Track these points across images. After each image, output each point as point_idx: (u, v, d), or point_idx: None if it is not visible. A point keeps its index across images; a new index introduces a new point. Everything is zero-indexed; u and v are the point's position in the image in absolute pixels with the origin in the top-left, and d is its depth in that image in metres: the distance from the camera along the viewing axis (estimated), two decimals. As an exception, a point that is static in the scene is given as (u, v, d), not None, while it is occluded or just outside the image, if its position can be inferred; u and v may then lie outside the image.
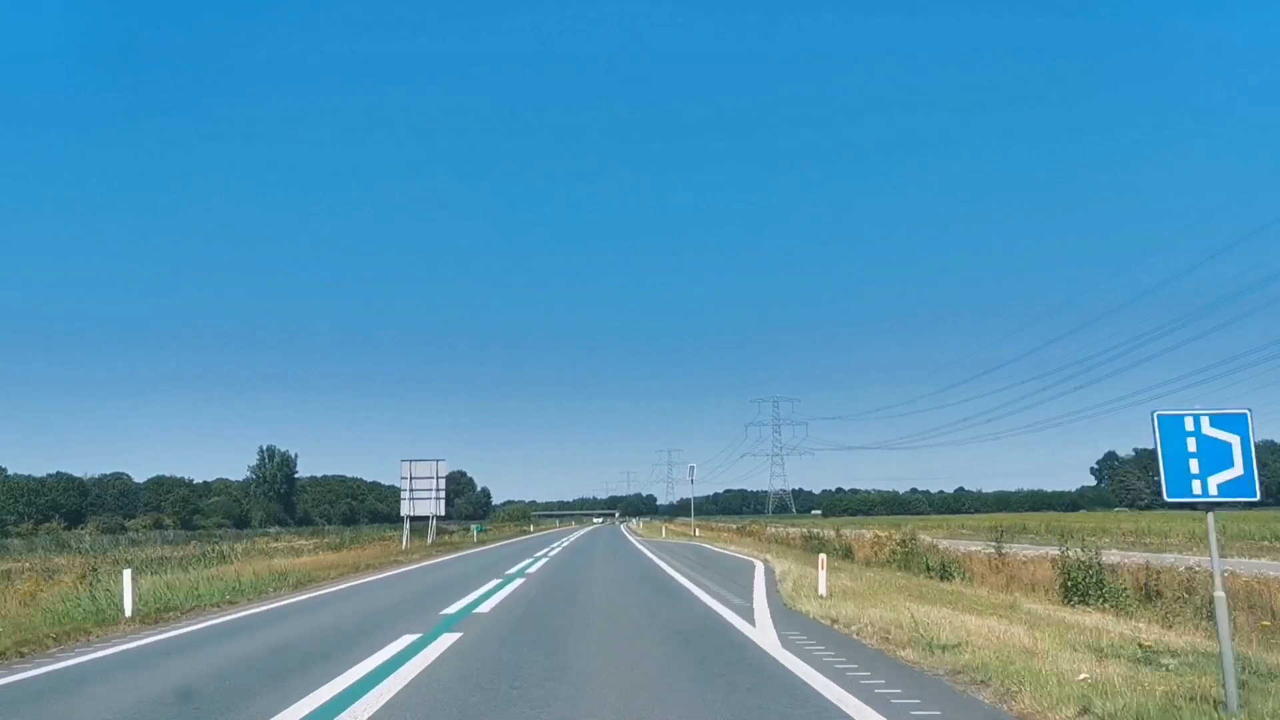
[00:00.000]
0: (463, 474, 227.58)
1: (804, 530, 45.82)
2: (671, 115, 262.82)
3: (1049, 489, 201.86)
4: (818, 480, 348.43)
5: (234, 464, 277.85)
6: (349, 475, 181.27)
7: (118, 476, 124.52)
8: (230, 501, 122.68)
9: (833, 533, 37.95)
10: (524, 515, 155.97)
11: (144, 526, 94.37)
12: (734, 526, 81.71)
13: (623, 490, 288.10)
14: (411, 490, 48.00)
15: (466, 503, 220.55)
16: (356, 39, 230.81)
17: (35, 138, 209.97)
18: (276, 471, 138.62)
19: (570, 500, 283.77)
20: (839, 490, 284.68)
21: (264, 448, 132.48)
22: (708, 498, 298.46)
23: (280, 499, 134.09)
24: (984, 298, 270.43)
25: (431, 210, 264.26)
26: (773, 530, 60.16)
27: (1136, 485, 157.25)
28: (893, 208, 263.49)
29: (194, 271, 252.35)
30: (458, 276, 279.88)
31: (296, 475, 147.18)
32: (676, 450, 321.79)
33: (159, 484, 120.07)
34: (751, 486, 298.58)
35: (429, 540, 48.86)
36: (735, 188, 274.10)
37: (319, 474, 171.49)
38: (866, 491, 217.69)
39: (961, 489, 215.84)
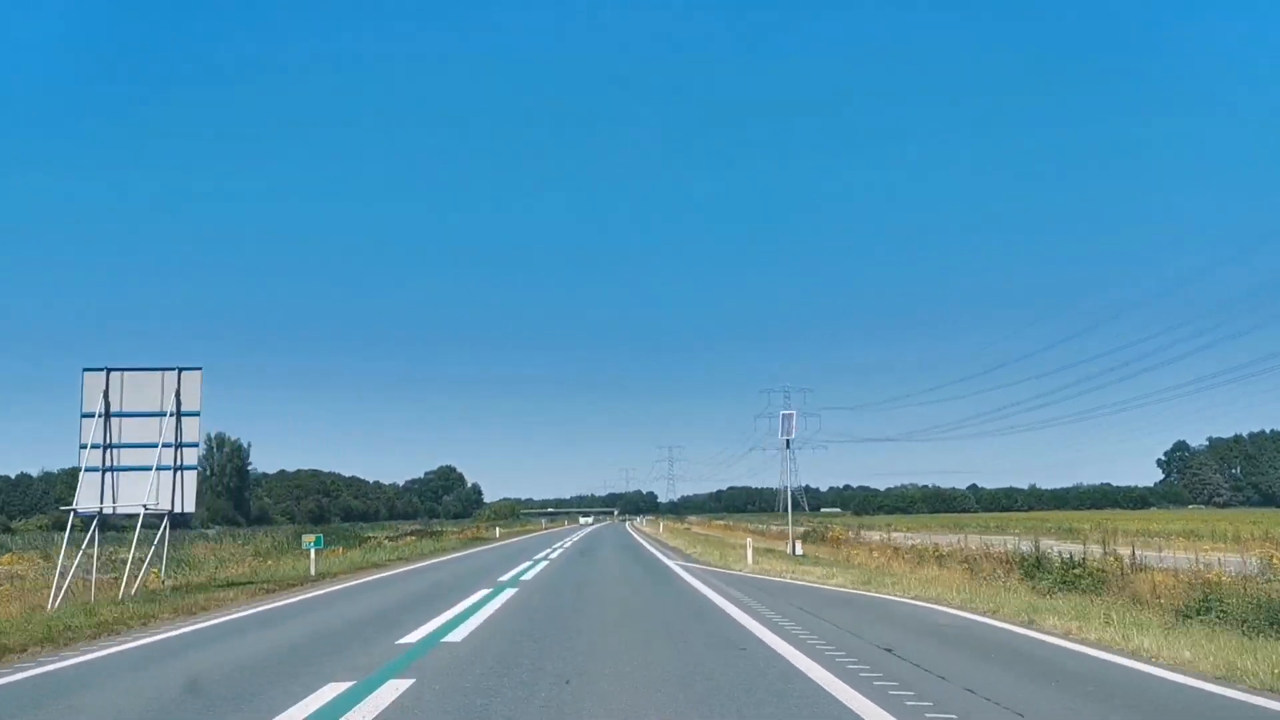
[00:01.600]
0: (452, 469, 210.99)
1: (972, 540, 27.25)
2: (675, 104, 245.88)
3: (1117, 484, 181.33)
4: (830, 475, 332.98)
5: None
6: (325, 470, 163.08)
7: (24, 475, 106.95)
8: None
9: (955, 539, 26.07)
10: (512, 513, 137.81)
11: (32, 529, 76.18)
12: (764, 528, 64.38)
13: (622, 487, 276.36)
14: (112, 459, 18.80)
15: (456, 499, 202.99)
16: (349, 28, 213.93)
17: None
18: (226, 463, 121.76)
19: (568, 498, 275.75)
20: (847, 487, 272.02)
21: (211, 436, 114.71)
22: (710, 495, 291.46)
23: (230, 495, 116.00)
24: (1021, 277, 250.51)
25: (421, 202, 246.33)
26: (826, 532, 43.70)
27: (1213, 480, 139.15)
28: (910, 188, 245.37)
29: (191, 268, 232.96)
30: (448, 268, 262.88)
31: (253, 468, 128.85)
32: (678, 447, 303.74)
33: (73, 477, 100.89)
34: (756, 483, 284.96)
35: (126, 585, 17.80)
36: (736, 176, 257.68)
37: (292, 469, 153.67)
38: (906, 487, 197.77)
39: (1013, 486, 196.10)
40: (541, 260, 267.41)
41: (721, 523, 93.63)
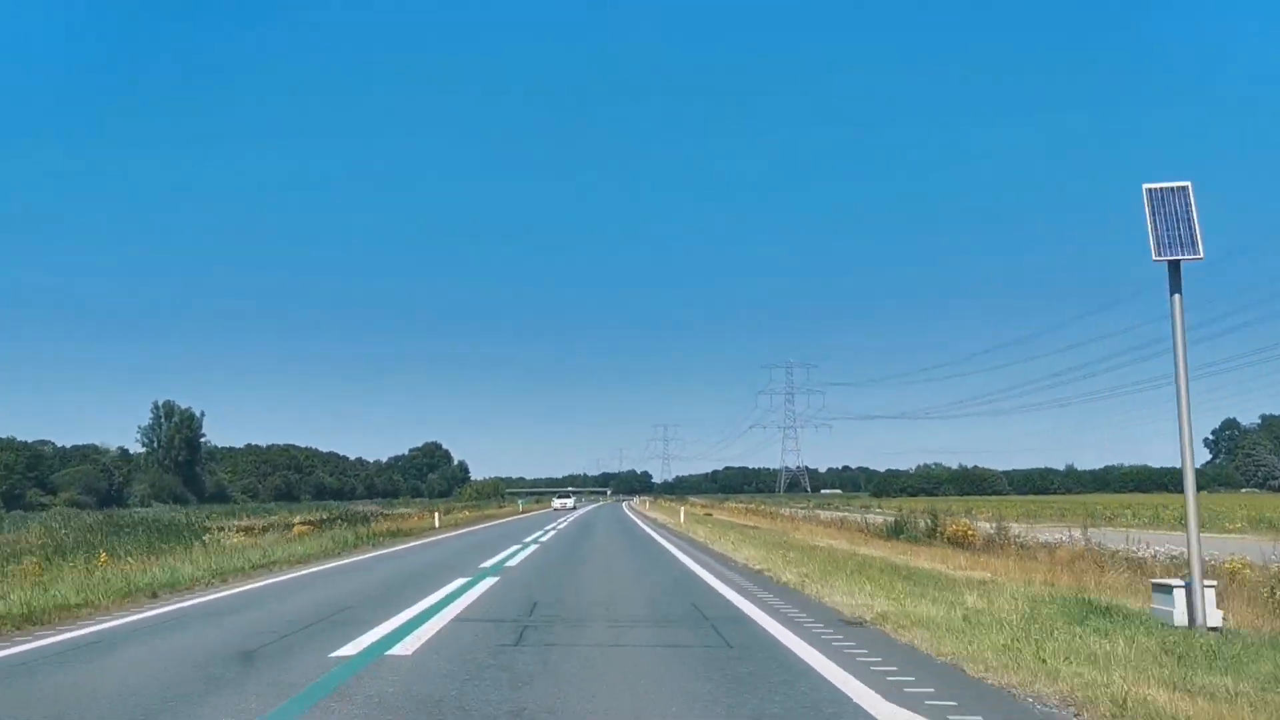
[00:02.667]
0: (438, 445, 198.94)
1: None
2: (674, 76, 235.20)
3: (1154, 465, 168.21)
4: (830, 455, 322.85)
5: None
6: (302, 445, 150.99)
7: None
8: (97, 472, 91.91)
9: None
10: (496, 492, 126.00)
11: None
12: (803, 512, 52.99)
13: (615, 467, 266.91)
14: None
15: (440, 478, 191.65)
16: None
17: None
18: (174, 435, 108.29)
19: (560, 477, 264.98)
20: (846, 468, 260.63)
21: (159, 404, 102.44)
22: (705, 475, 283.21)
23: (179, 470, 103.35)
24: (1044, 248, 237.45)
25: (409, 180, 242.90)
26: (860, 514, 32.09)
27: (1267, 461, 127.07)
28: (927, 158, 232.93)
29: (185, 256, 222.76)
30: (439, 245, 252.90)
31: (206, 440, 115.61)
32: (673, 426, 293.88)
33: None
34: (752, 463, 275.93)
35: None
36: (733, 149, 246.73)
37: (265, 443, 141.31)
38: (932, 467, 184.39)
39: (1048, 467, 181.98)
40: (530, 235, 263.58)
41: (735, 505, 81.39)
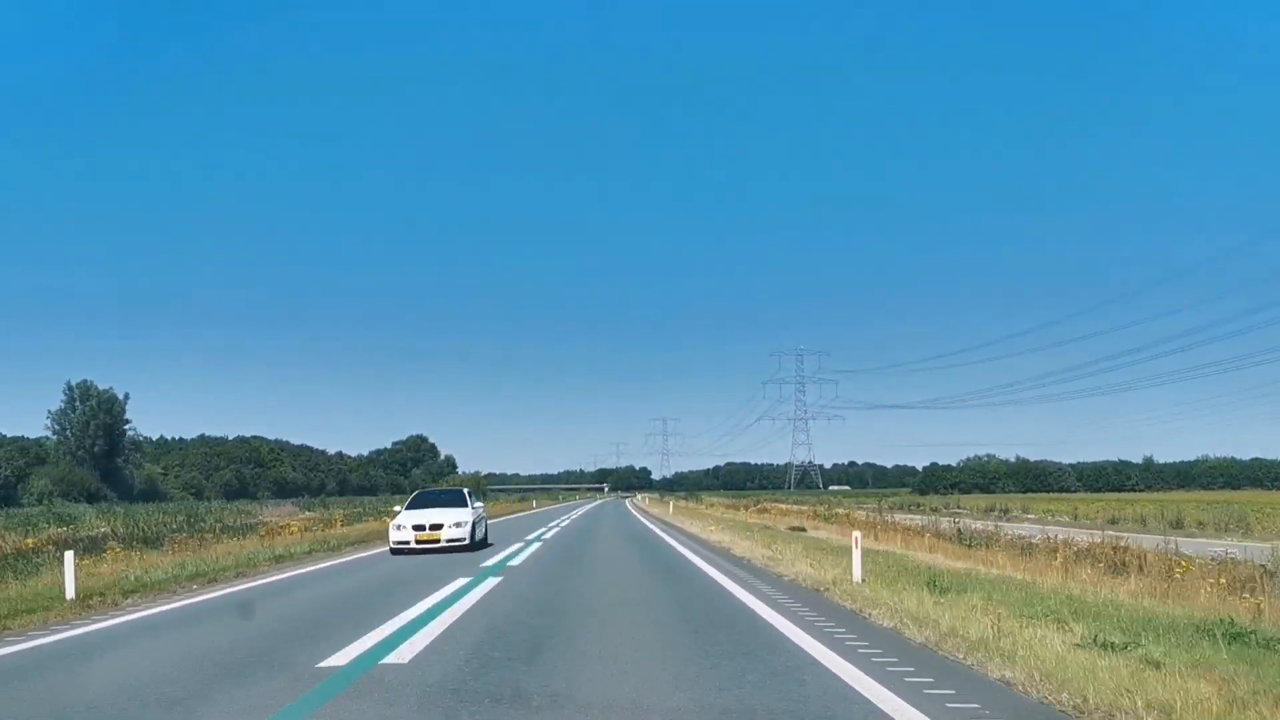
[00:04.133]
0: (423, 439, 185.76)
1: None
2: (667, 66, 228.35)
3: (1258, 456, 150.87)
4: (841, 450, 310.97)
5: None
6: (270, 437, 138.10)
7: None
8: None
9: None
10: (477, 489, 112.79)
11: None
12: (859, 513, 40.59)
13: (612, 463, 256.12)
14: None
15: (425, 473, 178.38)
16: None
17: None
18: (88, 420, 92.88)
19: (555, 473, 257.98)
20: (852, 463, 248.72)
21: (72, 385, 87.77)
22: (706, 471, 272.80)
23: (95, 461, 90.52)
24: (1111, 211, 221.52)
25: (398, 173, 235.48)
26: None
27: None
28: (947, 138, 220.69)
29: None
30: (427, 238, 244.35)
31: (133, 429, 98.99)
32: (673, 420, 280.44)
33: None
34: (756, 459, 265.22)
35: None
36: (731, 131, 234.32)
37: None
38: (984, 459, 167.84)
39: (1123, 460, 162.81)
40: (519, 226, 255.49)
41: (785, 506, 68.26)
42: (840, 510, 47.84)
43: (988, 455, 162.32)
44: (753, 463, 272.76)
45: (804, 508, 54.79)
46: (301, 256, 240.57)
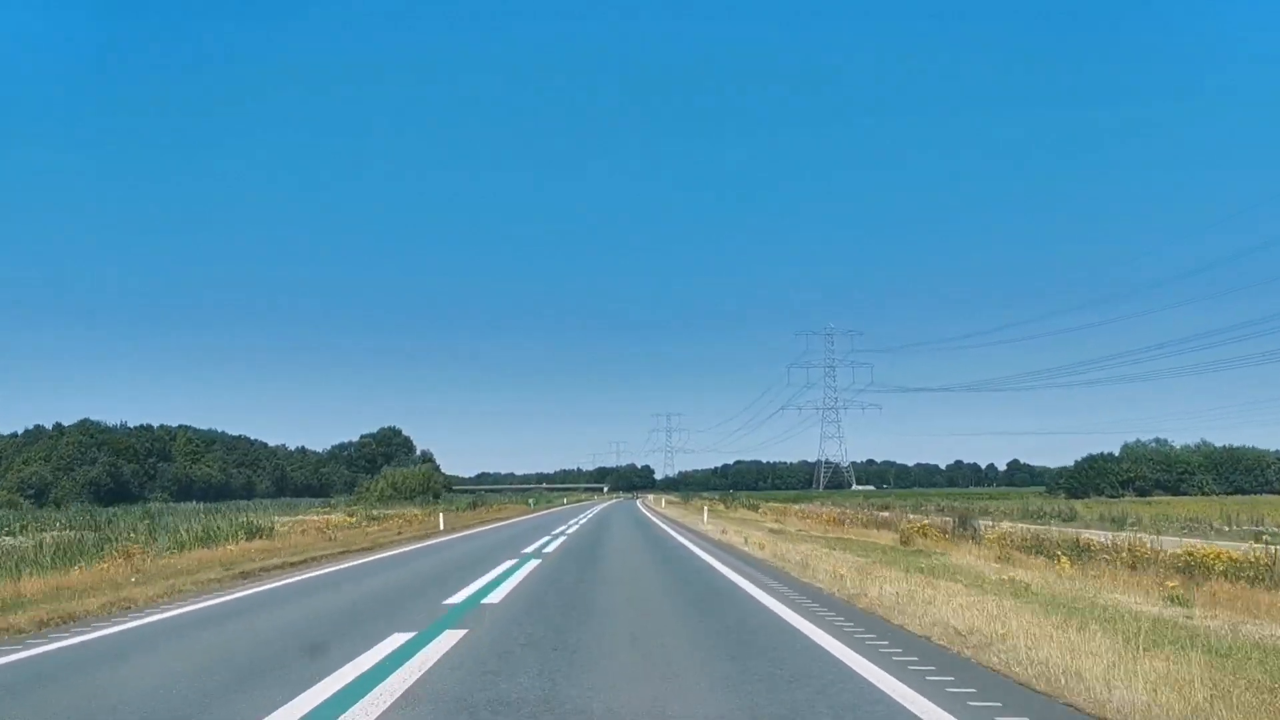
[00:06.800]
0: (396, 432, 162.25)
1: None
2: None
3: None
4: (872, 445, 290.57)
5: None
6: (202, 427, 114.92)
7: None
8: None
9: None
10: (425, 488, 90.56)
11: None
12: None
13: (612, 461, 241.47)
14: None
15: (397, 469, 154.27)
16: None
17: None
18: None
19: (551, 473, 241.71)
20: (870, 461, 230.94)
21: None
22: (713, 470, 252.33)
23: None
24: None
25: (387, 169, 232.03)
26: None
27: None
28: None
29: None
30: (415, 235, 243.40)
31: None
32: (676, 415, 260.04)
33: None
34: (769, 456, 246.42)
35: None
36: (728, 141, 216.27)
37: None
38: (1145, 445, 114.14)
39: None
40: (511, 220, 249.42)
41: (802, 509, 45.36)
42: (987, 528, 24.54)
43: (1156, 440, 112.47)
44: (764, 461, 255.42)
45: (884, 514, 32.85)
46: (297, 254, 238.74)
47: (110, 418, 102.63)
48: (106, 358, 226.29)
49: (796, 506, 55.65)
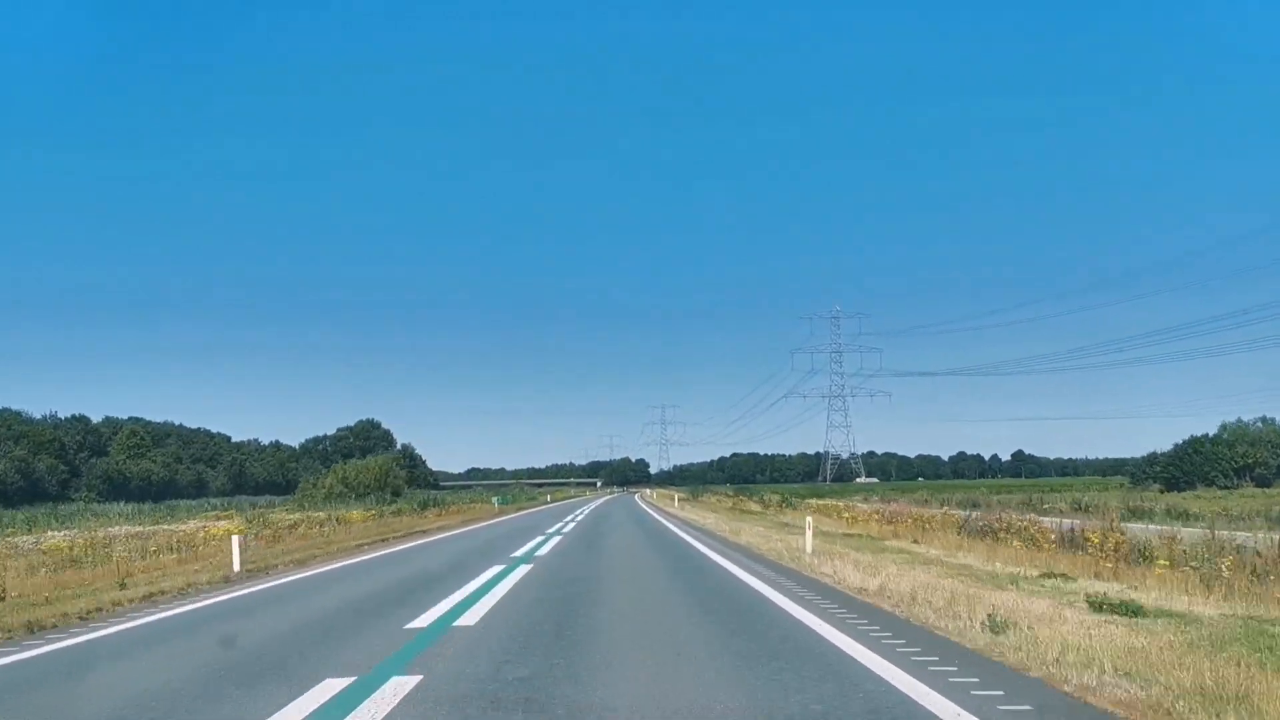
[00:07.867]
0: (375, 425, 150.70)
1: None
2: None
3: None
4: (883, 435, 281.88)
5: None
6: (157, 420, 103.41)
7: None
8: None
9: None
10: (380, 484, 78.69)
11: None
12: None
13: (605, 455, 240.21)
14: None
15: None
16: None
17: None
18: None
19: (543, 467, 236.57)
20: (870, 453, 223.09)
21: None
22: (710, 463, 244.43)
23: None
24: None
25: (376, 166, 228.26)
26: None
27: None
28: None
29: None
30: (409, 231, 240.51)
31: None
32: (671, 408, 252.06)
33: None
34: (765, 449, 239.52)
35: None
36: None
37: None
38: (1261, 425, 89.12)
39: None
40: (502, 213, 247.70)
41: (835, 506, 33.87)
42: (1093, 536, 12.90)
43: (1263, 419, 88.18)
44: (763, 453, 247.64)
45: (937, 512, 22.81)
46: (282, 247, 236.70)
47: (68, 410, 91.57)
48: (93, 354, 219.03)
49: (836, 503, 44.20)
